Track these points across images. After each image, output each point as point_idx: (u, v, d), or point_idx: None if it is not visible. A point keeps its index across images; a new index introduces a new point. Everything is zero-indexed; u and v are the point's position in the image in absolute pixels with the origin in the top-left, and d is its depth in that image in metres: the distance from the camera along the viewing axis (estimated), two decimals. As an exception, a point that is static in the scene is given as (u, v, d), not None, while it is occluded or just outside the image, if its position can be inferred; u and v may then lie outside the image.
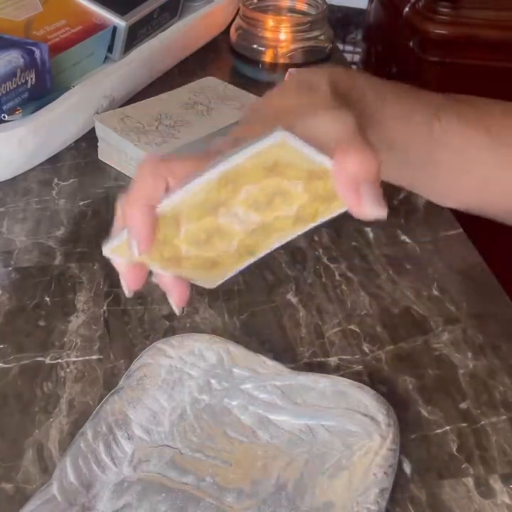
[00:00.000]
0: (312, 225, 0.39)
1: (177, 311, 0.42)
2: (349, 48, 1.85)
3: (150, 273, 0.41)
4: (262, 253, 0.41)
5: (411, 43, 1.30)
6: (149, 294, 0.62)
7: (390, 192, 0.75)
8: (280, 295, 0.63)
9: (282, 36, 0.99)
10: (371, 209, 0.36)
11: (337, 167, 0.35)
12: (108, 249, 0.40)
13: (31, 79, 0.74)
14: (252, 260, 0.41)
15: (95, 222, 0.70)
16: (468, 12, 1.26)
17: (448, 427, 0.52)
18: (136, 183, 0.38)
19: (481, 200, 0.52)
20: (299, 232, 0.40)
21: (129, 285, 0.41)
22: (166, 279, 0.41)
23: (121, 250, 0.39)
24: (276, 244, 0.40)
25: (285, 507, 0.45)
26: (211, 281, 0.43)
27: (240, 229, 0.39)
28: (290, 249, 0.67)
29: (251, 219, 0.38)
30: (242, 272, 0.64)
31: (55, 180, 0.76)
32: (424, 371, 0.56)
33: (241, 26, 1.01)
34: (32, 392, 0.53)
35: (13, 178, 0.75)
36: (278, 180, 0.36)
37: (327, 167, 0.36)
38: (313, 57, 1.01)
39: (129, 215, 0.38)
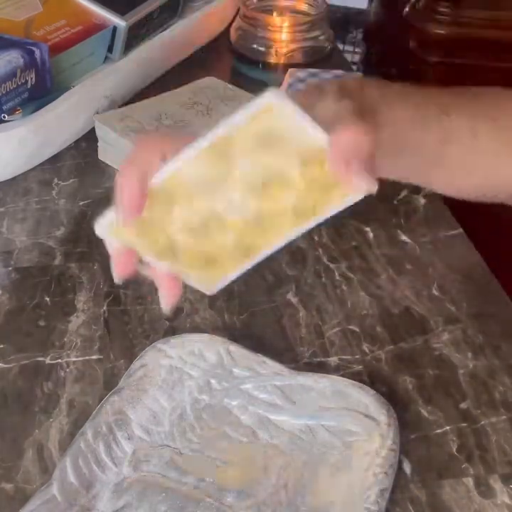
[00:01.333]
0: (312, 221, 0.39)
1: (166, 309, 0.41)
2: (349, 48, 1.85)
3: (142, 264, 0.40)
4: (261, 254, 0.40)
5: (411, 43, 1.30)
6: (149, 293, 0.62)
7: (390, 192, 0.75)
8: (280, 295, 0.63)
9: (282, 36, 1.00)
10: (360, 182, 0.37)
11: (331, 143, 0.36)
12: (99, 227, 0.39)
13: (31, 79, 0.74)
14: (250, 263, 0.40)
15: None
16: (468, 12, 1.26)
17: (448, 427, 0.52)
18: (131, 154, 0.37)
19: (493, 186, 0.52)
20: (299, 231, 0.39)
21: (118, 271, 0.40)
22: (159, 272, 0.40)
23: (116, 230, 0.38)
24: (276, 245, 0.40)
25: (285, 507, 0.45)
26: (209, 283, 0.42)
27: (236, 218, 0.38)
28: (290, 249, 0.67)
29: (248, 205, 0.37)
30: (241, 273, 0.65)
31: (55, 180, 0.76)
32: (424, 371, 0.56)
33: (241, 26, 1.01)
34: (32, 392, 0.53)
35: (13, 178, 0.75)
36: (272, 159, 0.36)
37: (322, 144, 0.36)
38: (313, 57, 1.01)
39: (120, 185, 0.37)
